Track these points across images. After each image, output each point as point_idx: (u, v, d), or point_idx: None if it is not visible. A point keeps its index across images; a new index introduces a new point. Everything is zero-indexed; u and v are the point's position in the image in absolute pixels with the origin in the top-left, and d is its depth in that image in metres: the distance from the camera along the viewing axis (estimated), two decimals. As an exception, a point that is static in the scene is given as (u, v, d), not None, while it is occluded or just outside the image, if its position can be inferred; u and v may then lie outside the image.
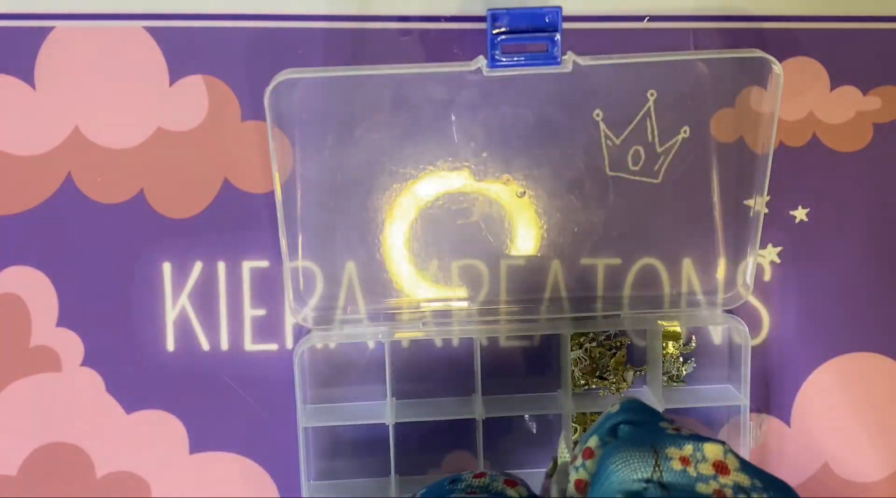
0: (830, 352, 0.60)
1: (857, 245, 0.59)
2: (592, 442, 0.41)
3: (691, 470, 0.37)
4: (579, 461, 0.40)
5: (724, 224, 0.57)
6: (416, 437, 0.58)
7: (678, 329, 0.59)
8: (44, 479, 0.57)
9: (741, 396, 0.57)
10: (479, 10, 0.55)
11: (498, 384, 0.59)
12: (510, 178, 0.56)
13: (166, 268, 0.56)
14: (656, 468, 0.37)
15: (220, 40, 0.55)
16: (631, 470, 0.37)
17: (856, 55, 0.57)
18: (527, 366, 0.59)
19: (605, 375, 0.59)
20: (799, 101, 0.58)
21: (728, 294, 0.58)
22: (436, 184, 0.56)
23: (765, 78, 0.54)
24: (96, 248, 0.56)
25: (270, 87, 0.51)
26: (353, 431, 0.58)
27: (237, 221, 0.56)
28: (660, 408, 0.57)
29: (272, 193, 0.55)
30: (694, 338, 0.60)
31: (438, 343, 0.58)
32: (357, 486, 0.58)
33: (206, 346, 0.57)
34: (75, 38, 0.54)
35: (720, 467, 0.38)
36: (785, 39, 0.57)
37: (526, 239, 0.57)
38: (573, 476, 0.41)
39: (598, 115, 0.55)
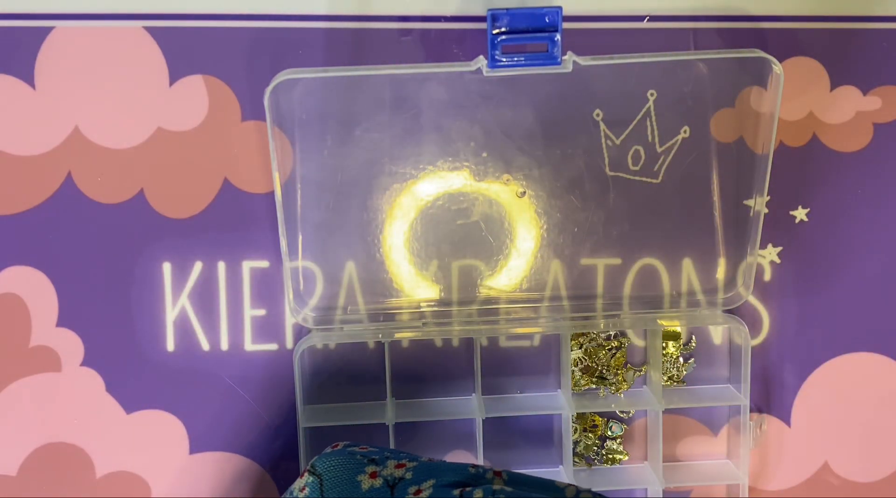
0: (830, 352, 0.60)
1: (857, 245, 0.59)
2: None
3: None
4: None
5: (724, 224, 0.57)
6: (416, 437, 0.58)
7: (678, 329, 0.59)
8: (44, 479, 0.57)
9: (741, 396, 0.57)
10: (479, 10, 0.55)
11: (498, 384, 0.59)
12: (510, 178, 0.56)
13: (166, 268, 0.56)
14: None
15: (220, 40, 0.55)
16: None
17: (856, 55, 0.57)
18: (527, 366, 0.59)
19: (605, 375, 0.59)
20: (799, 101, 0.58)
21: (728, 294, 0.58)
22: (436, 184, 0.56)
23: (765, 78, 0.54)
24: (96, 248, 0.56)
25: (270, 87, 0.51)
26: (353, 431, 0.58)
27: (237, 221, 0.56)
28: (660, 408, 0.57)
29: (272, 193, 0.55)
30: (694, 338, 0.60)
31: (438, 343, 0.58)
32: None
33: (206, 346, 0.57)
34: (75, 38, 0.54)
35: None
36: (785, 39, 0.57)
37: (526, 239, 0.57)
38: None
39: (598, 115, 0.55)
